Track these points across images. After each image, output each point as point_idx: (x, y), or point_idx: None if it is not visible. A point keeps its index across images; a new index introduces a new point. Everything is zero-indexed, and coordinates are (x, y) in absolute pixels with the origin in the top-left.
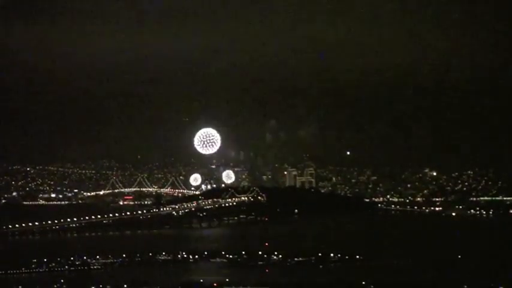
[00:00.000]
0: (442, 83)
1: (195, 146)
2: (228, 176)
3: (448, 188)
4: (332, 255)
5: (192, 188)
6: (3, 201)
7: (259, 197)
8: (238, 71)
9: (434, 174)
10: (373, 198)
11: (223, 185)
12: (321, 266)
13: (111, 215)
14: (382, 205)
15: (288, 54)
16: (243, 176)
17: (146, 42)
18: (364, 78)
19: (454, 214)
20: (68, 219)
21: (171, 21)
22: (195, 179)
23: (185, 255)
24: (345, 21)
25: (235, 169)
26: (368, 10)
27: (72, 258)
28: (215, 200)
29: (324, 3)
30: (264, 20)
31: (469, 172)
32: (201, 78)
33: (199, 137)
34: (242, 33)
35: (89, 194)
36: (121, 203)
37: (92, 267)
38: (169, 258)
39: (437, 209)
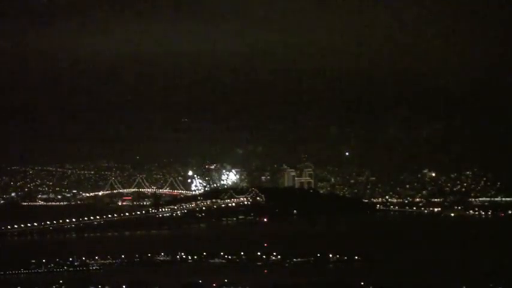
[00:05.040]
0: (442, 83)
1: None
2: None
3: (447, 188)
4: (331, 255)
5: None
6: (2, 201)
7: (258, 198)
8: (241, 71)
9: (433, 175)
10: (372, 199)
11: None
12: (319, 267)
13: (109, 215)
14: (381, 206)
15: (290, 55)
16: (242, 177)
17: (146, 42)
18: (364, 78)
19: (453, 215)
20: (67, 220)
21: (172, 21)
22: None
23: (184, 256)
24: (346, 23)
25: (235, 169)
26: (369, 11)
27: (71, 259)
28: (214, 200)
29: (328, 6)
30: (266, 20)
31: (468, 173)
32: (203, 78)
33: None
34: (242, 34)
35: (87, 194)
36: (120, 203)
37: (90, 267)
38: (168, 258)
39: (436, 209)
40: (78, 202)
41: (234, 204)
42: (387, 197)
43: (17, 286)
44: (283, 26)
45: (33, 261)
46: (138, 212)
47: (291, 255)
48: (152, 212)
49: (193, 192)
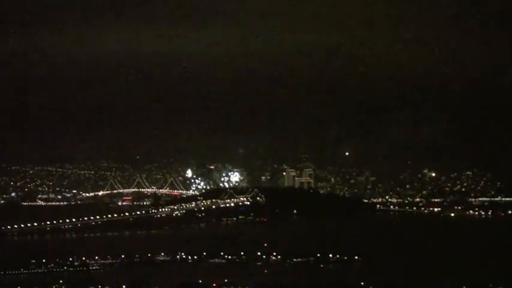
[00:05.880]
0: (442, 83)
1: None
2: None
3: (447, 188)
4: (331, 256)
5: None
6: (2, 201)
7: (258, 198)
8: (241, 71)
9: (433, 175)
10: (372, 199)
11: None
12: (319, 267)
13: (109, 215)
14: (381, 206)
15: (290, 56)
16: (242, 177)
17: (146, 41)
18: (364, 78)
19: (453, 215)
20: (67, 220)
21: (172, 21)
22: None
23: (184, 256)
24: (346, 23)
25: (235, 170)
26: (370, 11)
27: (71, 259)
28: (214, 200)
29: (328, 6)
30: (267, 20)
31: (468, 173)
32: (204, 78)
33: None
34: (243, 34)
35: (87, 194)
36: (120, 203)
37: (90, 267)
38: (168, 258)
39: (436, 209)
40: (78, 202)
41: (233, 204)
42: (387, 197)
43: (17, 286)
44: (283, 26)
45: (33, 261)
46: (138, 212)
47: (291, 255)
48: (152, 212)
49: (193, 192)
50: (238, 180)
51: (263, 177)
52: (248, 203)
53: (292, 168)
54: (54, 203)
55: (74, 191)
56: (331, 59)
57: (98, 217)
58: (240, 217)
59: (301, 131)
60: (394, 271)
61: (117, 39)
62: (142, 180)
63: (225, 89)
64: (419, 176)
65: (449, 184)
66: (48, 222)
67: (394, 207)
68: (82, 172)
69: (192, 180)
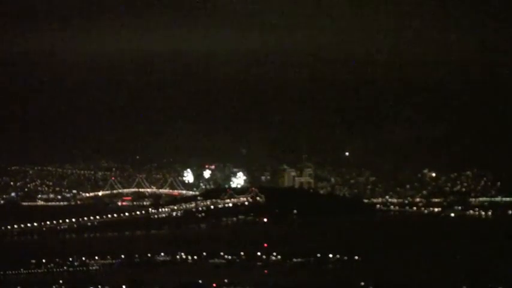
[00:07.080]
0: (442, 83)
1: None
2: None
3: (447, 188)
4: (331, 256)
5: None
6: (2, 201)
7: (258, 198)
8: (242, 71)
9: (433, 175)
10: (372, 199)
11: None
12: (319, 267)
13: (109, 215)
14: (381, 206)
15: (290, 55)
16: (242, 177)
17: (146, 42)
18: (364, 78)
19: (453, 215)
20: (67, 220)
21: (173, 21)
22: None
23: (184, 256)
24: (346, 23)
25: (235, 170)
26: (370, 11)
27: (70, 259)
28: (214, 200)
29: (329, 6)
30: (269, 20)
31: (468, 173)
32: (204, 78)
33: None
34: (244, 34)
35: (87, 194)
36: (119, 203)
37: (90, 267)
38: (168, 258)
39: (436, 209)
40: (78, 202)
41: (233, 204)
42: (387, 197)
43: (17, 286)
44: (285, 26)
45: (33, 261)
46: (138, 212)
47: (291, 255)
48: (152, 212)
49: (193, 192)
50: (238, 180)
51: (263, 177)
52: (248, 203)
53: (292, 168)
54: (54, 203)
55: (74, 191)
56: (330, 59)
57: (97, 217)
58: (240, 217)
59: (301, 131)
60: (394, 271)
61: (117, 40)
62: (142, 180)
63: (226, 89)
64: (419, 176)
65: (449, 184)
66: (48, 222)
67: (394, 207)
68: (82, 172)
69: (192, 180)
